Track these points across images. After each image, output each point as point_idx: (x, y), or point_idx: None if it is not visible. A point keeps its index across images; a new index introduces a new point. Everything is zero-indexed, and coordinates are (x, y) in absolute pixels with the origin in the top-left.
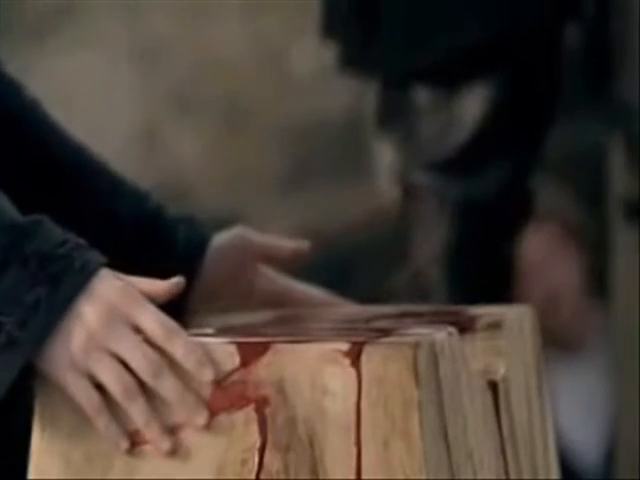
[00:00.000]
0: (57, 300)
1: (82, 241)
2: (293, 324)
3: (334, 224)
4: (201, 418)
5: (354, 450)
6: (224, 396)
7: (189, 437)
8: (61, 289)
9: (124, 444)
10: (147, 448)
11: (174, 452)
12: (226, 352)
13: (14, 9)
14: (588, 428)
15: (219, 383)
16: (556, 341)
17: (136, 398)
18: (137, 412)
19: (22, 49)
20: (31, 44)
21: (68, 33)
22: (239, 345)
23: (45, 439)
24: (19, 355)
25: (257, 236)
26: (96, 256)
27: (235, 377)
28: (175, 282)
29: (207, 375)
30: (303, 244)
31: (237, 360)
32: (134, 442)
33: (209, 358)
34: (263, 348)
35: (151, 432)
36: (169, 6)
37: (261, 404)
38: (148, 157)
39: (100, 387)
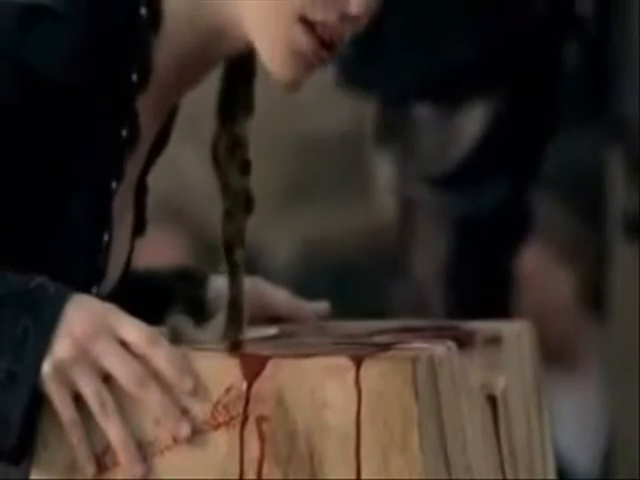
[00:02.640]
0: (43, 325)
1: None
2: (295, 338)
3: (333, 238)
4: (184, 430)
5: (354, 463)
6: (225, 410)
7: (190, 449)
8: (44, 315)
9: (90, 468)
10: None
11: (176, 465)
12: (227, 366)
13: None
14: (584, 442)
15: (220, 397)
16: (553, 356)
17: (112, 415)
18: (113, 430)
19: None
20: None
21: None
22: (240, 359)
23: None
24: (22, 387)
25: (273, 292)
26: (62, 286)
27: (236, 391)
28: (162, 331)
29: (188, 385)
30: (324, 307)
31: (238, 374)
32: (106, 465)
33: (190, 369)
34: (264, 362)
35: (125, 453)
36: None
37: (261, 418)
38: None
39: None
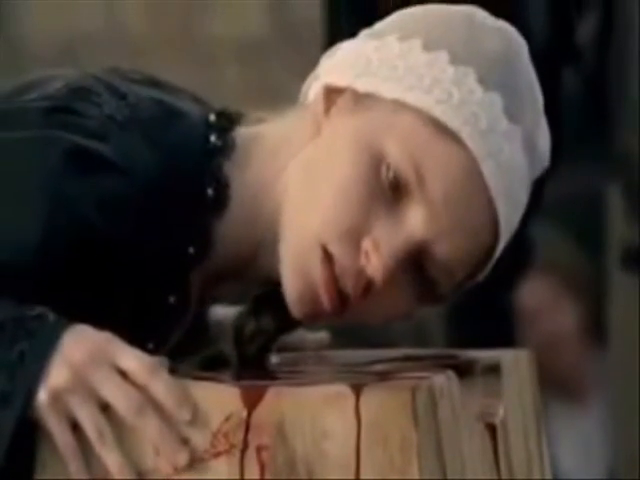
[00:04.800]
0: (40, 349)
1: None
2: (296, 367)
3: None
4: (183, 459)
5: None
6: (225, 439)
7: (191, 478)
8: (41, 339)
9: None
10: None
11: None
12: (227, 395)
13: (15, 50)
14: (586, 468)
15: (220, 426)
16: (556, 386)
17: (110, 443)
18: (110, 459)
19: None
20: None
21: None
22: (241, 388)
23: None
24: (13, 409)
25: None
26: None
27: (236, 419)
28: (161, 361)
29: (185, 415)
30: (324, 337)
31: (239, 403)
32: None
33: (188, 398)
34: (264, 391)
35: None
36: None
37: (261, 446)
38: None
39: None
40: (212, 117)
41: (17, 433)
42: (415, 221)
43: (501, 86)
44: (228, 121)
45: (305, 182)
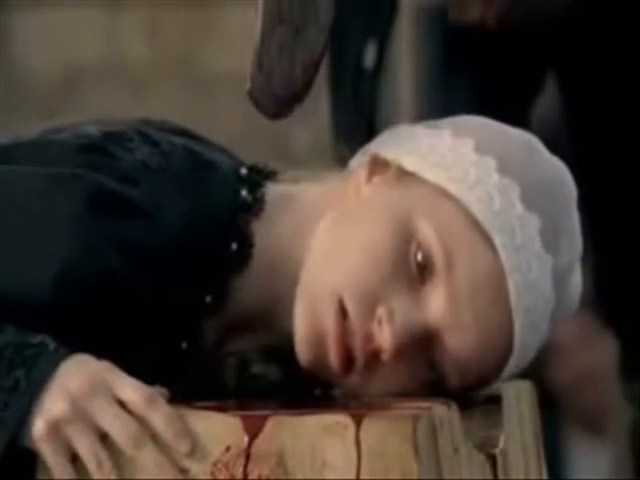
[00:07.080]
0: (35, 377)
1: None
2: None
3: None
4: None
5: None
6: (225, 469)
7: None
8: (38, 368)
9: None
10: None
11: None
12: (227, 424)
13: (21, 87)
14: None
15: (220, 456)
16: (584, 422)
17: (109, 474)
18: None
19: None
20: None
21: (72, 113)
22: (242, 418)
23: None
24: (4, 434)
25: None
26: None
27: (236, 449)
28: (160, 391)
29: (184, 446)
30: None
31: (238, 432)
32: None
33: (187, 429)
34: (265, 421)
35: None
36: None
37: (262, 476)
38: None
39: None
40: (244, 171)
41: (5, 459)
42: (434, 305)
43: (542, 212)
44: (260, 176)
45: (333, 235)
